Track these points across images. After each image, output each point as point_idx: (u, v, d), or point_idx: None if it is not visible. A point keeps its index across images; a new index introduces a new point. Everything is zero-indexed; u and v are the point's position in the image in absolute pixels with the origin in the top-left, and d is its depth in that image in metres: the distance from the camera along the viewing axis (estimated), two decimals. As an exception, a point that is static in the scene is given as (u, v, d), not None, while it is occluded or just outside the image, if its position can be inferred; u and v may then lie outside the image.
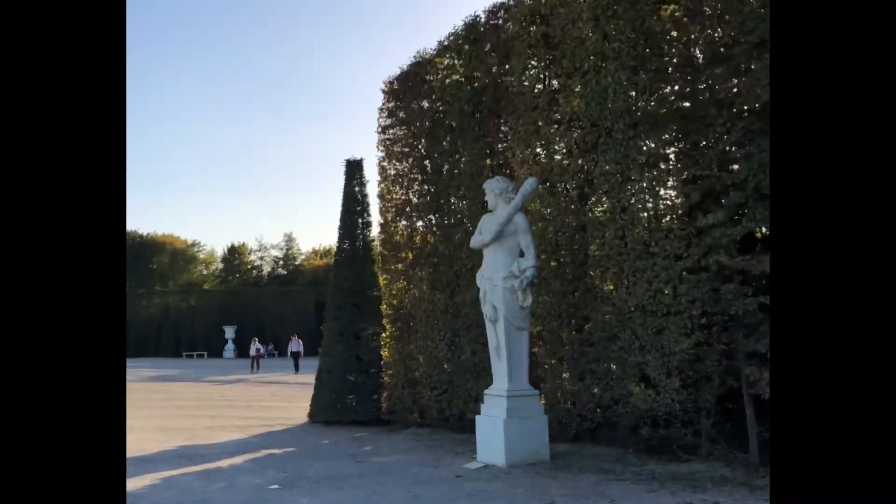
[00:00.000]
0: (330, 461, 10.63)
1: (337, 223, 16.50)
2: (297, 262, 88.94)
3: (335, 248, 16.82)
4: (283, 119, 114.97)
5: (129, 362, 54.71)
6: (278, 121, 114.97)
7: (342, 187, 16.56)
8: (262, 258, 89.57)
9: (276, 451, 11.84)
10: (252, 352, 39.13)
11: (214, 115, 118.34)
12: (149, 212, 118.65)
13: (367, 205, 16.58)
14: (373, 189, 25.26)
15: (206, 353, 68.29)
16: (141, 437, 13.51)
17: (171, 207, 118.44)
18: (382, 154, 15.11)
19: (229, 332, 68.30)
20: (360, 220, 16.42)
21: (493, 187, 10.14)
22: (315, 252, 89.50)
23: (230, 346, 67.47)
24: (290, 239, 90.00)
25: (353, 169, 16.58)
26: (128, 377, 23.80)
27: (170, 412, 18.13)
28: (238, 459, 11.03)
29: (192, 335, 71.70)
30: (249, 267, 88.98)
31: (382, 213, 15.10)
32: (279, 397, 22.49)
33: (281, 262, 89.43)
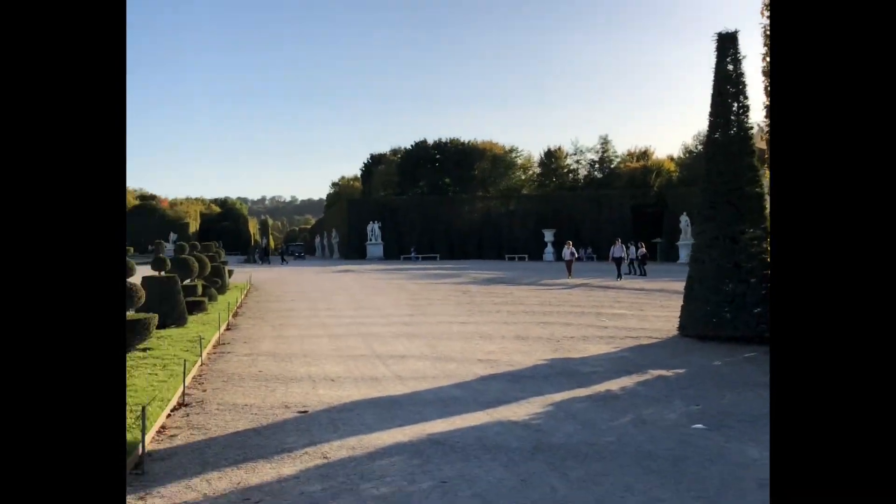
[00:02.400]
0: (740, 391, 8.74)
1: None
2: (612, 165, 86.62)
3: (704, 139, 14.46)
4: (596, 22, 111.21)
5: (456, 263, 56.97)
6: (591, 23, 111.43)
7: (713, 66, 14.03)
8: (577, 162, 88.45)
9: (664, 372, 10.20)
10: (566, 256, 37.60)
11: (531, 24, 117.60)
12: (470, 120, 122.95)
13: (744, 86, 13.91)
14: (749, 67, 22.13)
15: (526, 255, 69.31)
16: (505, 348, 12.64)
17: (490, 115, 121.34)
18: (769, 21, 12.38)
19: (548, 235, 68.63)
20: (734, 105, 13.82)
21: None
22: (630, 154, 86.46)
23: (549, 249, 67.92)
24: (605, 141, 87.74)
25: (726, 44, 13.93)
26: (461, 278, 23.74)
27: (521, 318, 17.34)
28: (626, 381, 9.55)
29: (512, 238, 73.23)
30: (566, 171, 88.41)
31: (769, 93, 12.47)
32: (625, 304, 20.96)
33: (596, 166, 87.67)
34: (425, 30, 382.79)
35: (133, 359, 10.90)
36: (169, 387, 8.76)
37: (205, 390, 9.10)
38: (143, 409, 5.65)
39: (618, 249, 36.08)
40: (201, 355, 11.18)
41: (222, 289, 24.67)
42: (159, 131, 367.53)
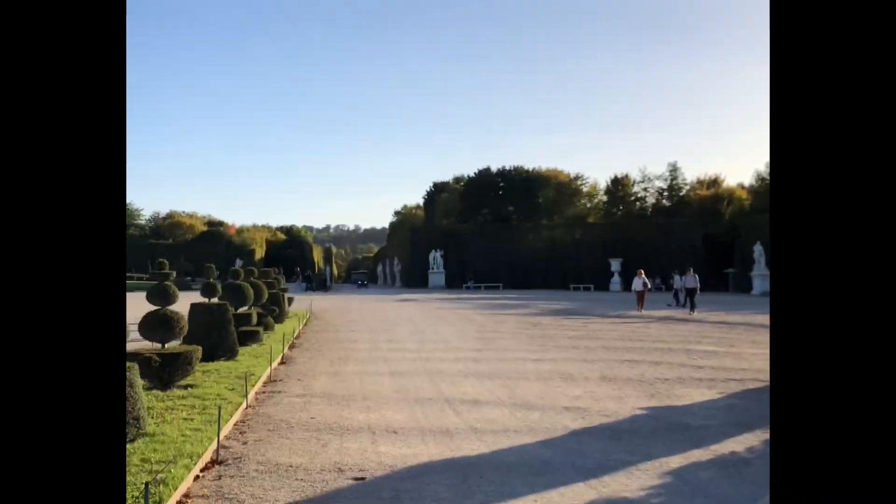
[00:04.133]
0: None
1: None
2: (681, 193, 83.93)
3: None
4: (666, 47, 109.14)
5: (520, 293, 55.07)
6: (662, 50, 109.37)
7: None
8: (645, 189, 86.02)
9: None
10: (637, 286, 34.38)
11: (595, 50, 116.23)
12: (534, 147, 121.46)
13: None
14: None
15: (592, 285, 67.19)
16: (592, 392, 10.98)
17: (555, 142, 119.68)
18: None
19: (615, 264, 66.57)
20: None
21: None
22: (701, 182, 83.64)
23: (616, 279, 65.83)
24: (674, 169, 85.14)
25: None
26: (528, 310, 21.91)
27: (601, 355, 15.63)
28: (750, 440, 7.82)
29: (578, 268, 71.20)
30: (633, 199, 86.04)
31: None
32: (712, 340, 19.03)
33: (665, 194, 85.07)
34: (488, 58, 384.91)
35: (171, 398, 9.60)
36: (203, 437, 7.39)
37: (245, 442, 7.70)
38: (147, 485, 4.20)
39: (690, 280, 33.61)
40: (247, 396, 9.82)
41: (280, 317, 23.53)
42: (229, 159, 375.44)
